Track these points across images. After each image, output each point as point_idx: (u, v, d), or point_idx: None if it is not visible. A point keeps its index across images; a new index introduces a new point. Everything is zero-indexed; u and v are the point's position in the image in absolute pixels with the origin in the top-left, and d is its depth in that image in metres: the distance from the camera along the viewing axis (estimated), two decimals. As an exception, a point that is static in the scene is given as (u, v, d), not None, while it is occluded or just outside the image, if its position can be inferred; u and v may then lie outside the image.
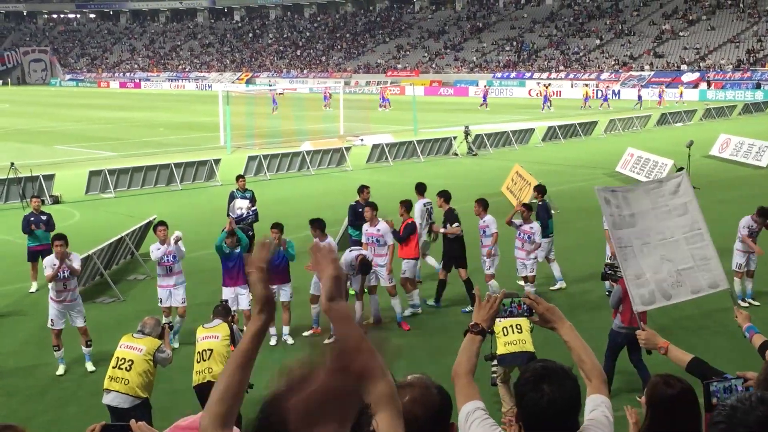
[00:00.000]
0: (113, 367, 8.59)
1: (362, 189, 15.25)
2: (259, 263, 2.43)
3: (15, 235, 17.99)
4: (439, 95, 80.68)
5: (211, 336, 9.06)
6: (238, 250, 12.38)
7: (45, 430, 9.49)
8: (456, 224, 13.93)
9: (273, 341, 12.27)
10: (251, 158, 29.35)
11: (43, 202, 23.78)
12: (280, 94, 60.64)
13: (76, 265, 11.52)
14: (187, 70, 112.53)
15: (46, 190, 24.55)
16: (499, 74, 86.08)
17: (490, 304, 3.60)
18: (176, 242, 12.46)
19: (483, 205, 14.10)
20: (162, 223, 12.68)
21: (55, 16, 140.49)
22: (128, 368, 8.52)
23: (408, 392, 2.91)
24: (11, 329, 13.34)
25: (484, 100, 62.92)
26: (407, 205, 14.12)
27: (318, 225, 12.80)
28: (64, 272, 11.36)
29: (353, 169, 30.90)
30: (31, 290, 15.40)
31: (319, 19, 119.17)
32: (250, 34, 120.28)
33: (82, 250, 14.00)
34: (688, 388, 4.25)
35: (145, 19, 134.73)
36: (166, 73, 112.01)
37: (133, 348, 8.65)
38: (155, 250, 12.46)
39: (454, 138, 35.65)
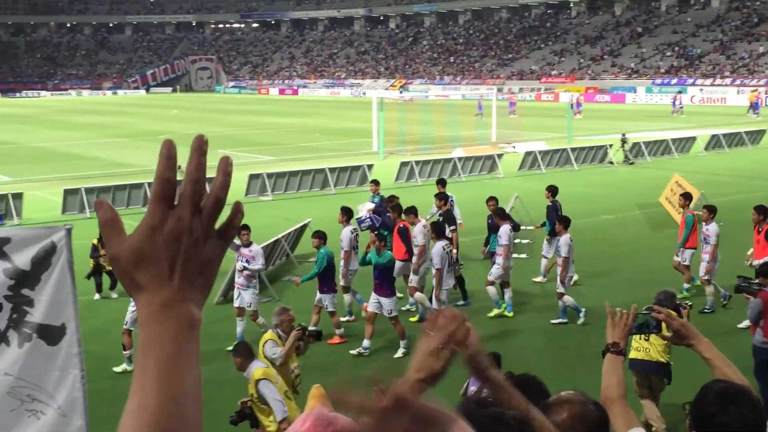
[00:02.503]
0: None
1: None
2: (451, 337, 2.22)
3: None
4: (595, 102, 78.68)
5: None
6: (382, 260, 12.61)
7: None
8: (453, 227, 14.61)
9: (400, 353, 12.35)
10: (403, 164, 29.63)
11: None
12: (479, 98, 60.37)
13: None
14: (342, 77, 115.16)
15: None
16: (658, 80, 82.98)
17: (623, 320, 3.44)
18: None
19: (500, 214, 14.63)
20: (245, 227, 12.83)
21: (221, 26, 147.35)
22: None
23: (566, 409, 2.84)
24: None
25: (674, 105, 60.45)
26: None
27: (345, 212, 14.05)
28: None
29: (505, 176, 30.61)
30: None
31: (473, 25, 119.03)
32: (405, 42, 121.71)
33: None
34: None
35: (304, 27, 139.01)
36: (323, 80, 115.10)
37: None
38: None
39: (610, 146, 34.64)
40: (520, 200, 19.79)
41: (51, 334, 6.13)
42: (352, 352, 12.47)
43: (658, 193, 24.40)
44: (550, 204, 16.23)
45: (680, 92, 69.77)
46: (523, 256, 17.82)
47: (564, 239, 13.46)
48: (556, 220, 14.37)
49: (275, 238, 16.76)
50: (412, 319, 13.84)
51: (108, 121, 61.94)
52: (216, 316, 13.62)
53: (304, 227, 18.04)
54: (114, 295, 15.36)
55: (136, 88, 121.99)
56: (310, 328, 10.06)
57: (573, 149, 34.02)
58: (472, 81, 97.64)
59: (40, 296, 6.09)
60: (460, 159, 31.56)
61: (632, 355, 9.00)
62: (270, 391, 7.79)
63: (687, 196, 15.37)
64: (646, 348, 9.01)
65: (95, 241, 14.76)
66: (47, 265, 6.10)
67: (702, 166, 32.33)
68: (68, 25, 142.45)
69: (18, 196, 23.23)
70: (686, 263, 14.66)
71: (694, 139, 37.76)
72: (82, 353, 6.32)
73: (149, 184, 25.16)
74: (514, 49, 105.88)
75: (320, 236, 13.10)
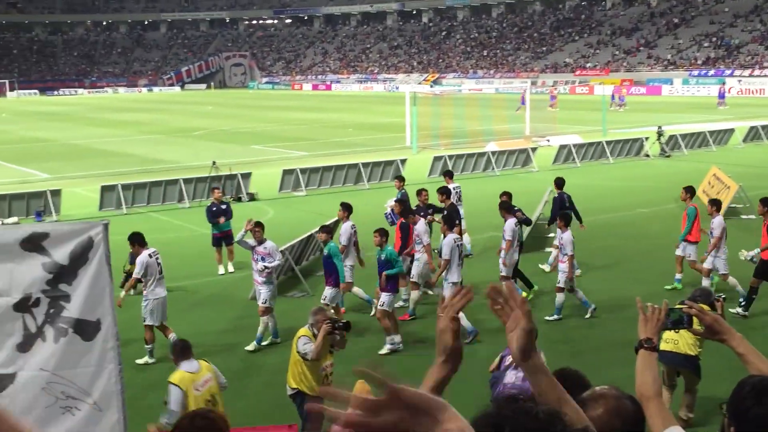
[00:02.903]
0: None
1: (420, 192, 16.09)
2: (453, 312, 2.35)
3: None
4: (630, 94, 77.81)
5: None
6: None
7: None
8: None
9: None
10: (436, 158, 29.57)
11: (239, 199, 25.25)
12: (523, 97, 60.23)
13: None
14: (375, 71, 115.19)
15: (243, 187, 25.96)
16: (695, 72, 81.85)
17: (656, 316, 3.40)
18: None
19: (506, 208, 14.42)
20: (258, 224, 12.87)
21: (254, 22, 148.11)
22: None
23: (602, 404, 2.81)
24: (214, 310, 14.16)
25: (721, 97, 59.61)
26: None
27: (345, 207, 14.20)
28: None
29: (539, 170, 30.42)
30: (220, 273, 16.89)
31: (506, 18, 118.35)
32: (438, 36, 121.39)
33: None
34: None
35: (337, 23, 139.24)
36: (356, 75, 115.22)
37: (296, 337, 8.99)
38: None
39: (646, 139, 34.26)
40: (554, 194, 19.60)
41: (86, 329, 6.21)
42: (380, 352, 12.38)
43: (695, 186, 24.05)
44: (556, 196, 16.61)
45: (723, 84, 68.37)
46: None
47: (567, 236, 13.36)
48: (557, 216, 14.30)
49: (309, 233, 16.82)
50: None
51: (143, 118, 62.60)
52: (251, 311, 13.70)
53: (337, 222, 18.07)
54: (131, 293, 15.42)
55: (171, 85, 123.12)
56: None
57: (608, 142, 33.70)
58: (506, 74, 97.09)
59: (76, 291, 6.17)
60: (493, 153, 31.42)
61: (661, 346, 8.90)
62: (173, 398, 7.69)
63: (689, 190, 15.31)
64: (675, 340, 8.92)
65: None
66: (84, 260, 6.17)
67: (740, 159, 31.85)
68: (104, 23, 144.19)
69: (56, 193, 23.57)
70: (691, 258, 14.63)
71: (732, 131, 37.20)
72: (118, 347, 6.39)
73: (184, 180, 25.45)
74: (548, 42, 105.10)
75: (327, 231, 13.36)
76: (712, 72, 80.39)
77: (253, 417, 9.94)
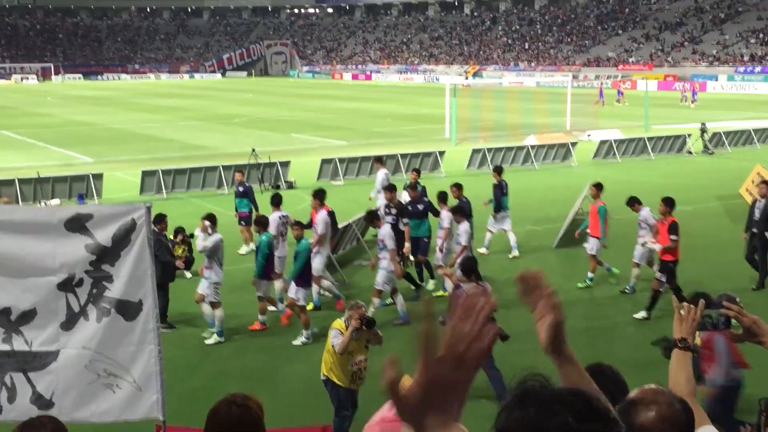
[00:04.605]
0: None
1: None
2: (481, 319, 2.26)
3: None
4: (674, 90, 76.75)
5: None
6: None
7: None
8: (406, 220, 14.57)
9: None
10: (475, 151, 29.45)
11: (278, 186, 25.40)
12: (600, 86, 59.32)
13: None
14: (416, 62, 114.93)
15: (282, 175, 26.10)
16: (741, 68, 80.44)
17: (692, 316, 3.35)
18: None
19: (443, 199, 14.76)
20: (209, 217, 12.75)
21: (296, 11, 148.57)
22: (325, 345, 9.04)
23: (654, 409, 2.76)
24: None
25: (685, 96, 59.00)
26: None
27: (318, 196, 14.09)
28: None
29: (578, 165, 30.15)
30: (240, 252, 17.44)
31: (549, 11, 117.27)
32: (480, 27, 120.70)
33: (310, 235, 14.69)
34: None
35: (378, 12, 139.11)
36: (396, 66, 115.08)
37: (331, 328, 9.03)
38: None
39: (689, 135, 33.78)
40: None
41: (128, 309, 6.30)
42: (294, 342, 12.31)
43: (738, 184, 23.70)
44: (495, 183, 17.35)
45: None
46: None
47: (463, 227, 13.72)
48: (457, 208, 14.34)
49: (346, 222, 16.86)
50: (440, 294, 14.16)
51: (185, 104, 63.18)
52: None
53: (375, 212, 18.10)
54: (188, 275, 15.65)
55: (213, 72, 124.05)
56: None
57: (650, 138, 33.28)
58: (547, 68, 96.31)
59: (119, 272, 6.26)
60: (533, 147, 31.20)
61: None
62: None
63: (598, 186, 15.29)
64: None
65: (171, 236, 14.96)
66: (127, 241, 6.26)
67: (785, 158, 31.28)
68: (148, 9, 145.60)
69: (98, 177, 23.89)
70: (592, 252, 14.90)
71: (777, 129, 36.54)
72: (158, 329, 6.48)
73: (224, 167, 25.64)
74: (591, 36, 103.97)
75: (302, 227, 13.14)
76: (758, 69, 78.93)
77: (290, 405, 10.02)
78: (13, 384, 6.26)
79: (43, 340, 6.27)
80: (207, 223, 12.38)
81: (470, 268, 10.35)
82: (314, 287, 13.72)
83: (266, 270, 12.85)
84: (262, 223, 13.17)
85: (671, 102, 58.45)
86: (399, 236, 14.07)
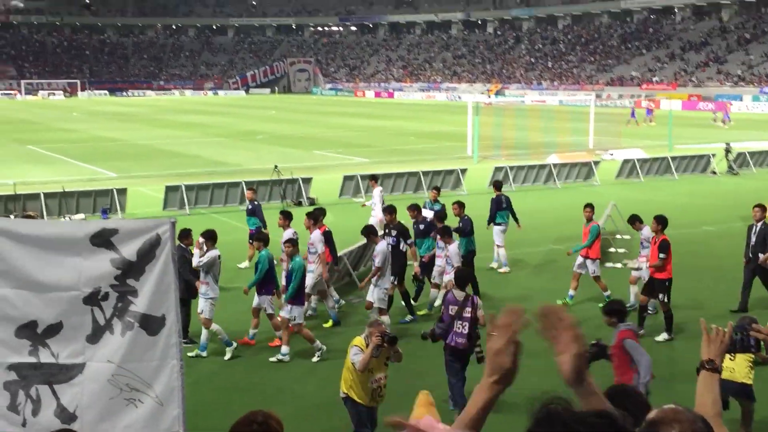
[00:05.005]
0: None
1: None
2: (512, 335, 2.35)
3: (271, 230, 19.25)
4: (698, 110, 76.32)
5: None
6: None
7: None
8: (410, 240, 14.41)
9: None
10: (497, 169, 29.41)
11: (300, 203, 25.49)
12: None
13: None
14: (438, 80, 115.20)
15: (304, 192, 26.20)
16: (766, 88, 79.86)
17: (720, 337, 3.33)
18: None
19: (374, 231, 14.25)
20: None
21: (320, 28, 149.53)
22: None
23: (676, 428, 2.74)
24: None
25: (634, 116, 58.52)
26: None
27: (312, 215, 14.11)
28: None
29: (601, 184, 30.03)
30: (240, 266, 17.77)
31: (572, 30, 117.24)
32: (503, 46, 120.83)
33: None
34: None
35: (402, 31, 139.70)
36: (419, 84, 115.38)
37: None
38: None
39: (713, 155, 33.56)
40: (617, 208, 19.38)
41: (152, 324, 6.34)
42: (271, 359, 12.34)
43: (764, 204, 23.47)
44: (494, 198, 17.79)
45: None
46: (619, 265, 17.47)
47: (452, 248, 13.73)
48: (443, 230, 14.24)
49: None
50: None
51: (208, 120, 63.66)
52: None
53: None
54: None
55: (236, 88, 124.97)
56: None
57: (673, 158, 33.11)
58: (570, 87, 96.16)
59: (143, 287, 6.31)
60: (555, 165, 31.13)
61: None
62: None
63: (589, 206, 15.41)
64: (731, 368, 8.72)
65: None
66: (152, 256, 6.31)
67: (811, 179, 30.98)
68: (174, 26, 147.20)
69: (122, 192, 24.10)
70: (595, 274, 14.86)
71: (803, 150, 36.21)
72: (180, 344, 6.51)
73: (246, 183, 25.79)
74: (615, 55, 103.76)
75: (293, 243, 12.94)
76: (783, 89, 78.37)
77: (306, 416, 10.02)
78: (38, 396, 6.31)
79: (69, 353, 6.33)
80: (201, 240, 12.49)
81: (464, 279, 10.67)
82: (330, 302, 13.86)
83: (261, 285, 12.78)
84: (262, 239, 13.24)
85: (695, 122, 58.13)
86: (401, 258, 14.11)
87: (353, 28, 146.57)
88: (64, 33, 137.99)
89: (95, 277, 6.28)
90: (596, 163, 31.81)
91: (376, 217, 19.00)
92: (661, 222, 13.39)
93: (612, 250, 18.34)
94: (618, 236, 18.83)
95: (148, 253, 6.30)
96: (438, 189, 18.45)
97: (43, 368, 6.32)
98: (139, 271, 6.29)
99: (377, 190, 20.10)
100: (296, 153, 39.79)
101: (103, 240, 6.31)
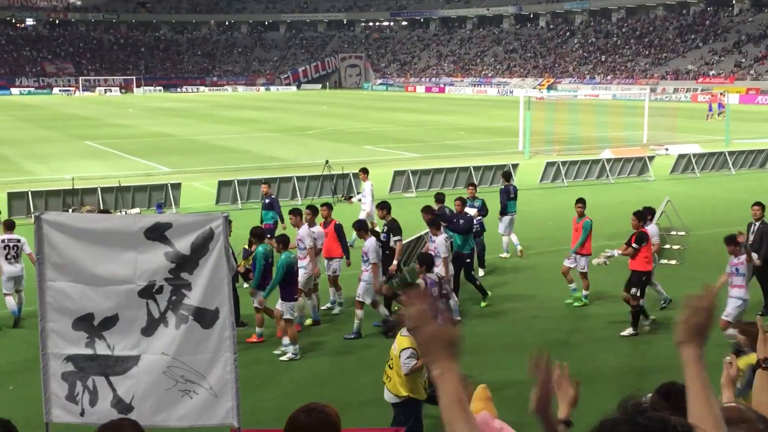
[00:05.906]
0: (387, 363, 8.68)
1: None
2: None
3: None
4: (757, 104, 74.64)
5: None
6: None
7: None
8: (398, 237, 14.22)
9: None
10: (549, 164, 29.16)
11: (350, 198, 25.59)
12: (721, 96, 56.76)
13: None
14: (490, 75, 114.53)
15: (354, 187, 26.29)
16: (829, 81, 77.80)
17: None
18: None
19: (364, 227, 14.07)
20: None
21: (371, 24, 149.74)
22: (391, 366, 8.50)
23: (743, 428, 2.70)
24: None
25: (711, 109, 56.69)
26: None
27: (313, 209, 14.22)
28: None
29: (656, 180, 29.56)
30: None
31: (627, 23, 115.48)
32: (555, 40, 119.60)
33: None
34: None
35: (453, 26, 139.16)
36: (470, 78, 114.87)
37: (395, 347, 8.55)
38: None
39: (772, 150, 32.79)
40: (671, 204, 19.07)
41: (205, 317, 6.43)
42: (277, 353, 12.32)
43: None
44: (502, 188, 18.28)
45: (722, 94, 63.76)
46: (673, 262, 17.19)
47: (439, 240, 13.39)
48: (431, 221, 14.04)
49: (418, 234, 16.88)
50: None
51: (260, 116, 64.24)
52: (349, 305, 13.85)
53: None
54: (245, 285, 15.66)
55: (288, 84, 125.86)
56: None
57: (731, 153, 32.44)
58: (624, 81, 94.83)
59: (197, 280, 6.40)
60: (608, 160, 30.73)
61: None
62: None
63: (581, 201, 15.16)
64: None
65: (246, 246, 14.95)
66: (205, 250, 6.40)
67: None
68: (227, 23, 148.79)
69: (176, 186, 24.48)
70: (584, 270, 14.67)
71: None
72: (234, 337, 6.60)
73: (298, 178, 25.98)
74: (670, 48, 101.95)
75: (283, 241, 12.77)
76: None
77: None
78: (95, 387, 6.46)
79: (125, 345, 6.46)
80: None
81: (429, 261, 11.48)
82: (313, 300, 13.83)
83: (264, 281, 12.77)
84: (258, 234, 13.16)
85: (754, 116, 56.82)
86: (390, 254, 14.05)
87: (404, 23, 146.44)
88: (120, 30, 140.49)
89: (150, 271, 6.40)
90: (651, 158, 31.32)
91: (365, 211, 19.20)
92: (639, 217, 13.51)
93: (667, 246, 18.04)
94: (673, 233, 18.53)
95: (201, 247, 6.39)
96: (474, 185, 18.32)
97: (99, 360, 6.46)
98: (193, 264, 6.38)
99: (367, 184, 20.08)
100: (347, 148, 39.92)
101: (157, 234, 6.42)
